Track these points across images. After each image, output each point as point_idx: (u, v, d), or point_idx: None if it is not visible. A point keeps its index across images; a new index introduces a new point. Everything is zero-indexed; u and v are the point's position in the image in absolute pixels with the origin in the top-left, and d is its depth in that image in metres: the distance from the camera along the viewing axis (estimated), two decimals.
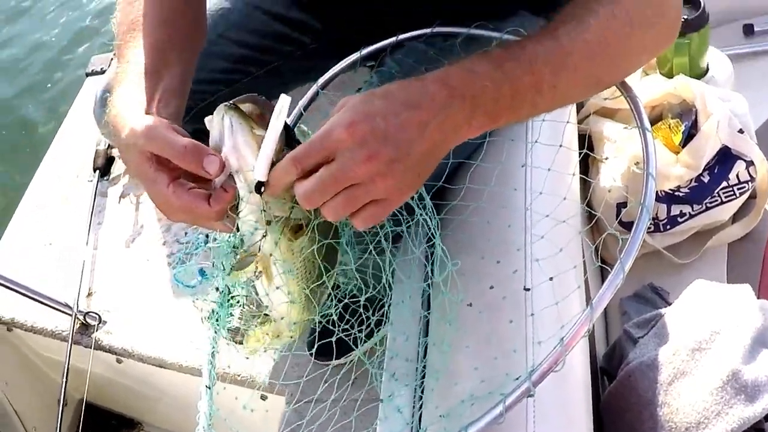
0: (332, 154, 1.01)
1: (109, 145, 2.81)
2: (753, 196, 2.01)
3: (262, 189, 1.06)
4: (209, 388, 1.36)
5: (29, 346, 2.56)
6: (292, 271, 1.19)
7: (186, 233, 1.25)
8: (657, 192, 1.93)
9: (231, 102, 1.08)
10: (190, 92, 1.37)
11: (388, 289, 1.35)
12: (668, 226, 2.01)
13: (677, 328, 1.58)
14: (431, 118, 1.03)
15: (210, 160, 1.05)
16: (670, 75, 2.15)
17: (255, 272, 1.19)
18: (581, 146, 1.56)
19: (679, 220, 2.00)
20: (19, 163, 3.30)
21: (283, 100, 1.07)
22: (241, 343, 1.36)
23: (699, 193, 1.94)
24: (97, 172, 2.80)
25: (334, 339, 1.32)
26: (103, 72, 3.08)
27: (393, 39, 1.50)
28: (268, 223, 1.12)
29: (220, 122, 1.07)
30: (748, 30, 2.55)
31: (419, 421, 1.28)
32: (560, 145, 1.34)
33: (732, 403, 1.38)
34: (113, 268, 2.54)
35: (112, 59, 3.18)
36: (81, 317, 2.31)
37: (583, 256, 1.38)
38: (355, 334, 1.32)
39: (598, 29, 1.12)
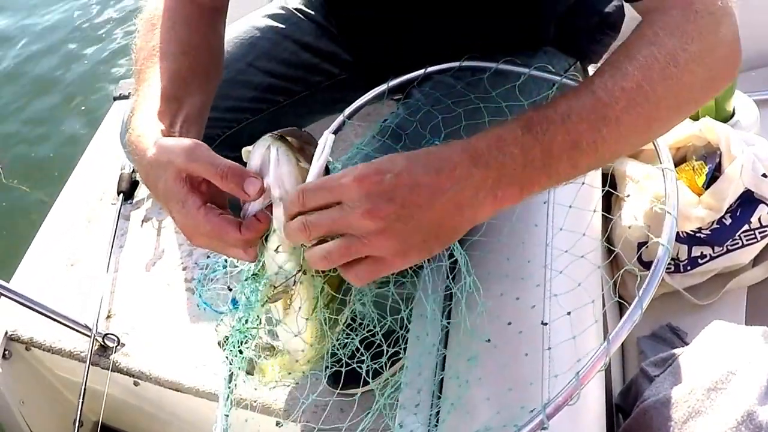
0: (337, 199, 1.00)
1: (133, 169, 2.83)
2: None
3: None
4: (227, 415, 1.37)
5: (47, 366, 2.55)
6: (318, 309, 1.18)
7: (208, 256, 1.25)
8: (678, 233, 1.93)
9: (277, 133, 1.09)
10: (216, 119, 1.39)
11: (406, 321, 1.36)
12: (688, 267, 2.00)
13: (694, 367, 1.58)
14: (448, 187, 1.00)
15: (251, 181, 1.06)
16: (695, 117, 2.15)
17: (286, 306, 1.18)
18: (604, 184, 1.56)
19: (700, 261, 2.00)
20: (45, 184, 3.32)
21: (329, 139, 1.08)
22: (250, 373, 1.36)
23: (720, 235, 1.94)
24: (121, 195, 2.82)
25: (350, 368, 1.32)
26: (130, 96, 3.10)
27: (421, 71, 1.50)
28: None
29: (264, 152, 1.08)
30: None
31: None
32: (582, 183, 1.34)
33: None
34: (133, 291, 2.55)
35: None
36: (100, 339, 2.32)
37: (602, 292, 1.38)
38: (370, 364, 1.32)
39: (637, 75, 1.06)
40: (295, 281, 1.14)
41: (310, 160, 1.09)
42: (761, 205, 1.92)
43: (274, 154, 1.07)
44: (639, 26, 1.14)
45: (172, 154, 1.09)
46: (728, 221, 1.93)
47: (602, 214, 1.46)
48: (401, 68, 1.52)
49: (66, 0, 6.20)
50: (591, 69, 1.79)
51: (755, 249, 1.99)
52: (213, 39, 1.48)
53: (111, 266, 2.60)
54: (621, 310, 1.85)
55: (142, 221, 2.77)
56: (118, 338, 2.34)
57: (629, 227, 1.94)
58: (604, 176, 1.76)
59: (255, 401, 2.02)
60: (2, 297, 2.18)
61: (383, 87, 1.51)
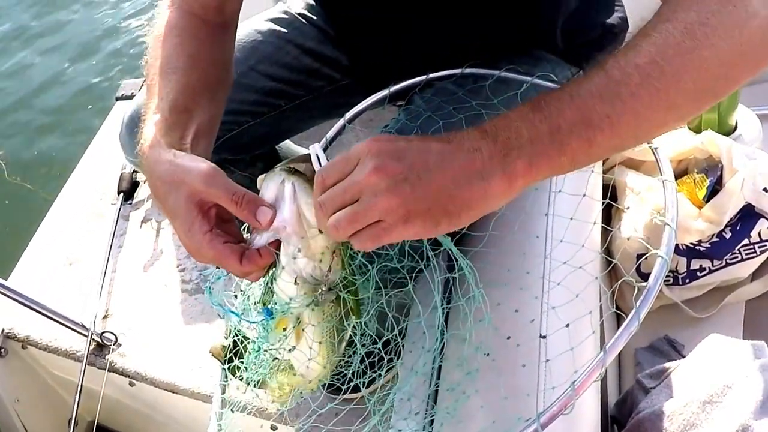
0: (352, 165, 1.02)
1: (134, 170, 2.83)
2: None
3: None
4: (219, 420, 1.37)
5: (42, 365, 2.55)
6: (324, 339, 1.22)
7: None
8: (678, 245, 1.93)
9: (291, 166, 1.11)
10: None
11: (403, 329, 1.36)
12: (687, 280, 2.00)
13: (690, 380, 1.58)
14: (458, 155, 1.00)
15: (263, 211, 1.09)
16: (698, 130, 2.15)
17: (299, 333, 1.22)
18: (605, 196, 1.56)
19: (699, 274, 1.99)
20: (48, 182, 3.33)
21: (319, 153, 1.11)
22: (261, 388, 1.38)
23: (720, 248, 1.94)
24: (121, 195, 2.82)
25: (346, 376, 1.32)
26: (132, 97, 3.10)
27: (423, 77, 1.50)
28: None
29: (279, 186, 1.10)
30: None
31: None
32: (583, 195, 1.34)
33: None
34: (131, 291, 2.55)
35: (142, 84, 3.21)
36: (97, 338, 2.31)
37: (600, 303, 1.38)
38: (369, 373, 1.32)
39: (651, 50, 1.02)
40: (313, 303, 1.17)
41: None
42: (761, 220, 1.92)
43: (290, 188, 1.09)
44: (659, 8, 1.09)
45: (189, 175, 1.12)
46: (728, 235, 1.93)
47: (602, 226, 1.46)
48: (400, 69, 1.52)
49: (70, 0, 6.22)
50: None
51: (754, 263, 1.99)
52: (221, 53, 1.50)
53: (109, 266, 2.60)
54: (618, 321, 1.85)
55: (142, 222, 2.77)
56: (116, 336, 2.34)
57: (628, 239, 1.94)
58: (605, 188, 1.76)
59: (250, 404, 2.02)
60: None
61: (385, 92, 1.51)
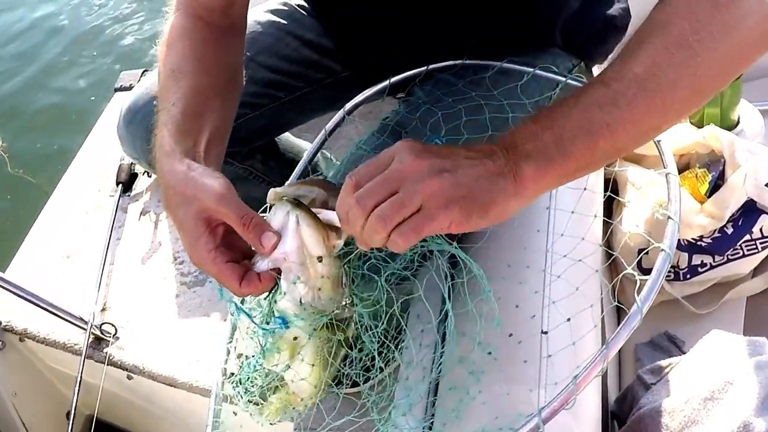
0: (387, 162, 1.05)
1: (132, 161, 2.82)
2: None
3: None
4: (217, 418, 1.37)
5: (40, 358, 2.54)
6: (317, 362, 1.25)
7: None
8: (679, 240, 1.92)
9: (298, 194, 1.15)
10: None
11: (403, 324, 1.36)
12: (688, 276, 2.00)
13: (691, 376, 1.57)
14: (482, 158, 1.05)
15: (268, 236, 1.12)
16: (700, 125, 2.14)
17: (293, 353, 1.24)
18: (606, 189, 1.55)
19: (700, 270, 1.99)
20: (51, 175, 3.32)
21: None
22: (256, 404, 1.38)
23: (721, 244, 1.93)
24: (120, 186, 2.81)
25: (347, 370, 1.32)
26: (131, 88, 3.10)
27: (423, 69, 1.51)
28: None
29: (284, 216, 1.13)
30: None
31: None
32: (584, 188, 1.34)
33: None
34: (129, 284, 2.54)
35: (141, 76, 3.21)
36: (96, 330, 2.30)
37: (601, 296, 1.37)
38: (367, 364, 1.32)
39: (647, 61, 1.06)
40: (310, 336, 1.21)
41: (338, 194, 1.13)
42: (763, 215, 1.91)
43: (293, 223, 1.12)
44: (653, 10, 1.12)
45: (202, 193, 1.14)
46: (730, 230, 1.92)
47: (603, 219, 1.45)
48: (395, 68, 1.54)
49: None
50: (596, 70, 1.78)
51: (756, 259, 1.98)
52: (229, 56, 1.50)
53: (107, 258, 2.59)
54: (619, 317, 1.84)
55: (140, 214, 2.76)
56: (115, 328, 2.32)
57: (629, 233, 1.93)
58: (606, 181, 1.75)
59: (249, 399, 2.01)
60: None
61: (385, 83, 1.51)
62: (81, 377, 2.23)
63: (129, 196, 2.83)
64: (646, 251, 1.89)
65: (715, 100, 2.11)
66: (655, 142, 1.25)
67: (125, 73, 3.33)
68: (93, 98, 5.07)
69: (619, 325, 1.06)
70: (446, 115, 1.45)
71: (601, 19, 1.73)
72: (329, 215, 1.13)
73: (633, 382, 1.70)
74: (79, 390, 2.21)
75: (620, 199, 2.03)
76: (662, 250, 1.10)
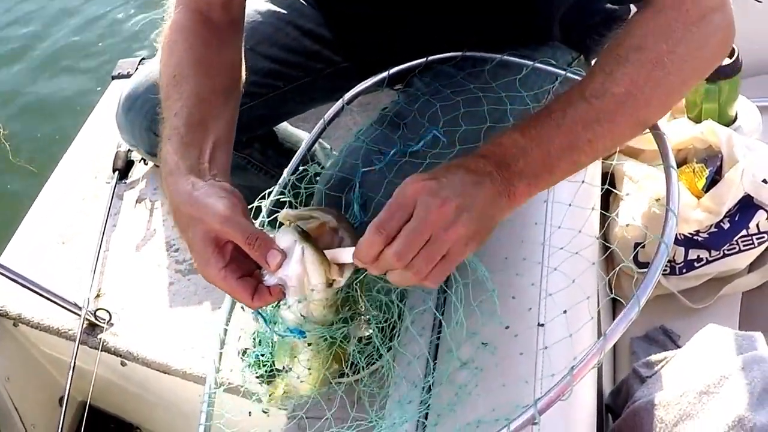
0: (409, 208, 1.08)
1: (129, 149, 2.81)
2: None
3: None
4: (210, 403, 1.38)
5: (33, 344, 2.54)
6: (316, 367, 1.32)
7: None
8: (676, 235, 1.92)
9: (308, 227, 1.19)
10: None
11: (399, 314, 1.36)
12: (684, 270, 2.00)
13: (686, 370, 1.57)
14: (483, 180, 1.11)
15: (273, 254, 1.15)
16: (698, 120, 2.14)
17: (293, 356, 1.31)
18: (603, 182, 1.56)
19: (696, 264, 1.99)
20: (52, 164, 3.32)
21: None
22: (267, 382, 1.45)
23: (718, 239, 1.93)
24: (116, 174, 2.80)
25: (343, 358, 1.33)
26: (129, 75, 3.08)
27: (422, 60, 1.52)
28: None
29: (291, 241, 1.17)
30: None
31: None
32: (582, 181, 1.34)
33: None
34: (124, 271, 2.53)
35: (139, 63, 3.20)
36: (90, 316, 2.30)
37: (598, 289, 1.38)
38: (363, 352, 1.33)
39: (626, 80, 1.16)
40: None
41: (347, 229, 1.21)
42: (760, 211, 1.91)
43: (299, 252, 1.15)
44: (630, 23, 1.22)
45: (207, 215, 1.17)
46: (726, 225, 1.92)
47: (600, 212, 1.46)
48: (395, 64, 1.55)
49: None
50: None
51: (752, 255, 1.99)
52: (230, 54, 1.51)
53: (102, 245, 2.58)
54: (615, 310, 1.84)
55: (136, 201, 2.75)
56: (110, 314, 2.32)
57: (627, 226, 1.93)
58: (604, 175, 1.75)
59: (242, 386, 2.01)
60: None
61: (384, 74, 1.51)
62: (75, 363, 2.22)
63: (125, 183, 2.83)
64: (642, 245, 1.90)
65: (713, 96, 2.12)
66: (654, 137, 1.26)
67: (123, 60, 3.32)
68: (90, 86, 5.05)
69: (614, 318, 1.07)
70: (445, 107, 1.45)
71: (599, 13, 1.72)
72: (335, 253, 1.17)
73: (628, 375, 1.70)
74: (72, 376, 2.21)
75: (618, 192, 2.03)
76: (661, 242, 1.10)
